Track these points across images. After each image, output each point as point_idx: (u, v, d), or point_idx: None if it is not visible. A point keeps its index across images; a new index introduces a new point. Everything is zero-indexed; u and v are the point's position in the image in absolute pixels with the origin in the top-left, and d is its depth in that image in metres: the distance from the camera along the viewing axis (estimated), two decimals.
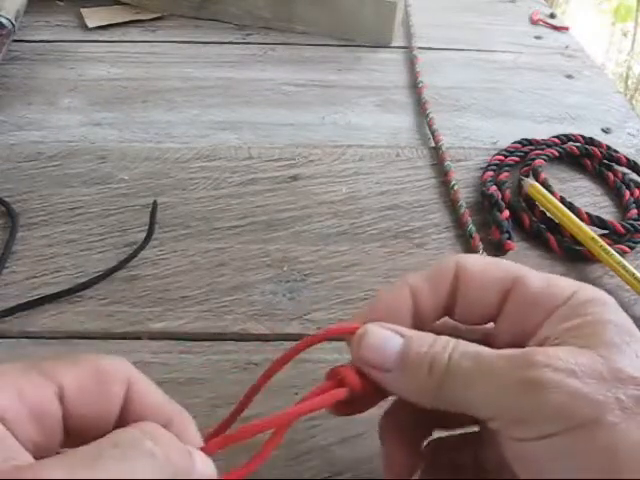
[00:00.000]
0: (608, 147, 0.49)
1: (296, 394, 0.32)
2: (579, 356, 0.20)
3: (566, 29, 0.71)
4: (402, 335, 0.23)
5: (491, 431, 0.21)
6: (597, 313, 0.22)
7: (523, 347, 0.22)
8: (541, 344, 0.22)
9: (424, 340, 0.22)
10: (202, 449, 0.21)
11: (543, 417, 0.19)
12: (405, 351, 0.22)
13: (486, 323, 0.25)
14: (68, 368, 0.20)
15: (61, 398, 0.19)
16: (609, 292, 0.35)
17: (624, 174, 0.48)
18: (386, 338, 0.23)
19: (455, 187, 0.45)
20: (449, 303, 0.24)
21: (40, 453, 0.18)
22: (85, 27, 0.64)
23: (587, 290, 0.23)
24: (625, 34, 2.08)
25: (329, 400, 0.22)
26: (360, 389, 0.23)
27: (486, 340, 0.24)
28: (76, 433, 0.20)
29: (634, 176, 0.48)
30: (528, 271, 0.24)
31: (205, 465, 0.20)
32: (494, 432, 0.21)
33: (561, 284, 0.23)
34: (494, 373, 0.21)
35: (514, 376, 0.20)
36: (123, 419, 0.21)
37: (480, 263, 0.24)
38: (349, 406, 0.23)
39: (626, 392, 0.19)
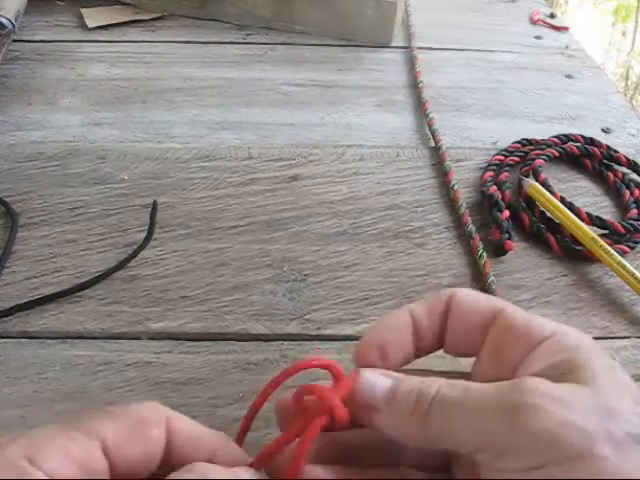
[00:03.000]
0: (608, 147, 0.49)
1: None
2: (569, 387, 0.20)
3: (566, 29, 0.71)
4: (392, 376, 0.23)
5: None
6: (582, 350, 0.22)
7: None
8: None
9: (412, 379, 0.23)
10: (251, 465, 0.22)
11: (531, 446, 0.19)
12: (393, 389, 0.22)
13: (472, 356, 0.25)
14: (107, 422, 0.20)
15: (106, 452, 0.19)
16: (609, 292, 0.35)
17: (624, 174, 0.48)
18: (376, 379, 0.23)
19: (455, 187, 0.45)
20: (441, 333, 0.25)
21: None
22: (85, 27, 0.64)
23: (568, 329, 0.23)
24: (624, 34, 2.08)
25: (316, 430, 0.22)
26: (346, 421, 0.23)
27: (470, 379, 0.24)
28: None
29: (634, 176, 0.48)
30: (511, 306, 0.24)
31: None
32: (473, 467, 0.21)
33: (541, 321, 0.23)
34: (480, 401, 0.20)
35: (501, 403, 0.20)
36: (166, 459, 0.21)
37: (470, 296, 0.25)
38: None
39: (617, 426, 0.19)
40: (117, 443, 0.20)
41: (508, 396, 0.20)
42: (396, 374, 0.23)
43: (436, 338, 0.25)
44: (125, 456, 0.20)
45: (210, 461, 0.21)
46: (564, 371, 0.21)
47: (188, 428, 0.22)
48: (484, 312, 0.24)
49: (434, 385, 0.22)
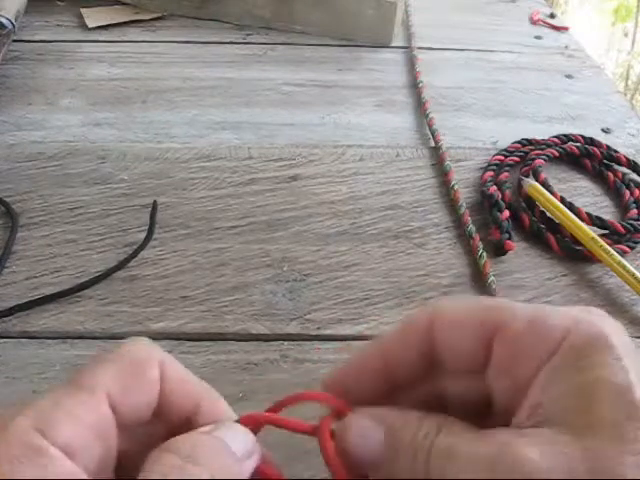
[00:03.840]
0: (608, 147, 0.49)
1: None
2: (557, 456, 0.18)
3: (566, 29, 0.71)
4: (384, 423, 0.22)
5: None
6: (596, 366, 0.19)
7: (518, 402, 0.20)
8: (532, 412, 0.20)
9: (406, 427, 0.21)
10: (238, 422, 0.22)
11: None
12: (388, 442, 0.21)
13: (478, 371, 0.22)
14: (106, 371, 0.20)
15: (112, 405, 0.19)
16: (609, 292, 0.34)
17: (624, 174, 0.48)
18: (368, 430, 0.22)
19: (455, 187, 0.45)
20: (427, 355, 0.23)
21: (101, 464, 0.19)
22: (85, 27, 0.64)
23: (582, 328, 0.20)
24: (626, 34, 2.08)
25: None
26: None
27: (481, 390, 0.22)
28: (123, 428, 0.20)
29: (634, 176, 0.48)
30: (510, 310, 0.21)
31: (245, 441, 0.21)
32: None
33: (549, 322, 0.20)
34: (474, 458, 0.19)
35: (497, 467, 0.18)
36: (160, 402, 0.21)
37: (458, 309, 0.22)
38: None
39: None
40: (120, 392, 0.20)
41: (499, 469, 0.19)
42: (386, 415, 0.22)
43: (416, 367, 0.23)
44: (129, 405, 0.20)
45: (194, 411, 0.21)
46: (569, 408, 0.19)
47: (178, 374, 0.22)
48: (481, 327, 0.22)
49: (431, 432, 0.21)
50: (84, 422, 0.19)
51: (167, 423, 0.21)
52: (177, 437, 0.20)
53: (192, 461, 0.18)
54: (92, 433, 0.19)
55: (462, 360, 0.22)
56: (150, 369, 0.21)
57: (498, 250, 0.41)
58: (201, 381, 0.22)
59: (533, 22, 0.72)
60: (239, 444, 0.21)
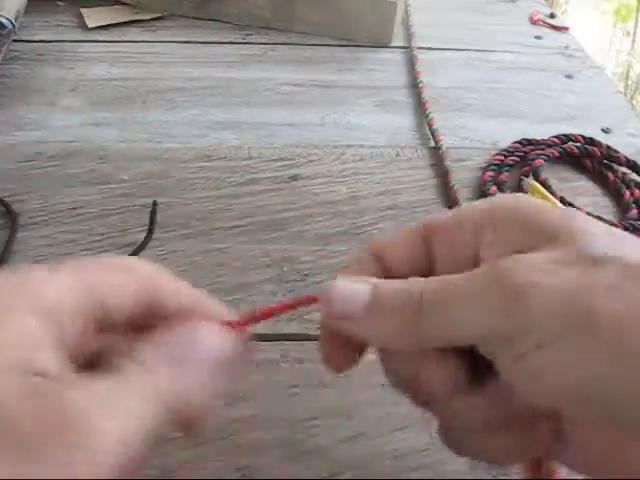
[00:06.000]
0: (608, 147, 0.49)
1: (296, 394, 0.32)
2: (550, 252, 0.20)
3: (566, 29, 0.71)
4: (370, 282, 0.22)
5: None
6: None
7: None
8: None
9: (392, 282, 0.22)
10: (229, 323, 0.22)
11: (535, 324, 0.19)
12: (375, 292, 0.21)
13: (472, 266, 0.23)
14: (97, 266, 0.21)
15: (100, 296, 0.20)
16: None
17: (624, 174, 0.48)
18: (354, 288, 0.22)
19: (455, 187, 0.45)
20: (423, 256, 0.23)
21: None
22: (85, 27, 0.64)
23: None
24: (628, 34, 2.08)
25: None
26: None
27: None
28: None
29: (634, 176, 0.48)
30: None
31: (219, 340, 0.21)
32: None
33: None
34: (471, 290, 0.20)
35: (492, 288, 0.20)
36: (147, 305, 0.21)
37: (450, 212, 0.24)
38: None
39: (606, 271, 0.19)
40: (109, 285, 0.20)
41: (496, 282, 0.20)
42: (374, 279, 0.22)
43: (415, 263, 0.23)
44: (114, 298, 0.20)
45: (191, 312, 0.22)
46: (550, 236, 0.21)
47: (170, 284, 0.22)
48: (473, 218, 0.23)
49: (418, 283, 0.21)
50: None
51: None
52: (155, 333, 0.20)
53: (140, 365, 0.19)
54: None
55: (459, 253, 0.23)
56: (141, 268, 0.21)
57: None
58: (194, 289, 0.23)
59: (533, 22, 0.72)
60: (210, 346, 0.21)
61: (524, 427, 0.22)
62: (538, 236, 0.21)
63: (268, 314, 0.23)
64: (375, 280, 0.22)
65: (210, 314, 0.22)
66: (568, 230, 0.21)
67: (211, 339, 0.21)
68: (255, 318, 0.23)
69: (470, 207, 0.23)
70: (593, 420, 0.20)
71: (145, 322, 0.21)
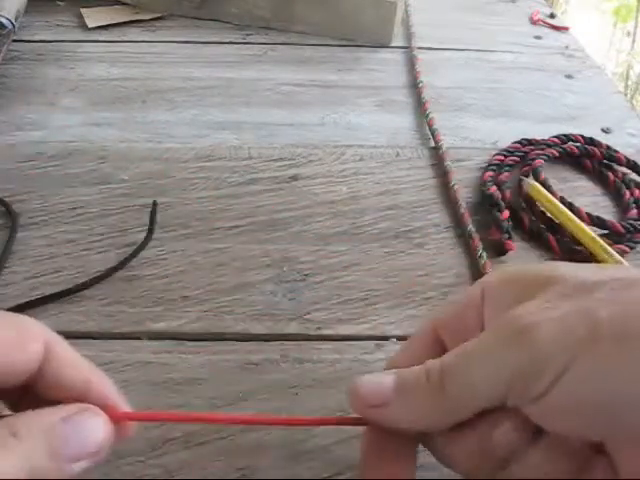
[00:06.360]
0: (608, 147, 0.49)
1: (296, 394, 0.32)
2: (545, 295, 0.21)
3: (566, 29, 0.71)
4: (392, 372, 0.23)
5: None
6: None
7: None
8: None
9: (412, 368, 0.23)
10: (110, 411, 0.22)
11: (547, 355, 0.20)
12: (399, 376, 0.23)
13: None
14: None
15: None
16: None
17: (624, 174, 0.48)
18: (379, 378, 0.23)
19: (455, 187, 0.45)
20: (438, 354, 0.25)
21: None
22: (85, 27, 0.64)
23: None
24: (628, 34, 2.08)
25: None
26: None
27: None
28: None
29: (634, 176, 0.48)
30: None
31: (94, 436, 0.21)
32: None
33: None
34: (484, 346, 0.21)
35: (502, 338, 0.21)
36: (41, 376, 0.21)
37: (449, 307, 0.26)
38: None
39: (602, 289, 0.21)
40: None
41: (504, 330, 0.21)
42: (392, 370, 0.24)
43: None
44: (5, 360, 0.20)
45: (83, 391, 0.22)
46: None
47: (67, 354, 0.22)
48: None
49: (435, 360, 0.22)
50: None
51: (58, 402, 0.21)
52: (30, 411, 0.20)
53: (14, 437, 0.19)
54: None
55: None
56: (34, 341, 0.21)
57: (498, 250, 0.41)
58: (91, 365, 0.23)
59: (533, 22, 0.72)
60: (86, 440, 0.21)
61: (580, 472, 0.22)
62: (530, 290, 0.22)
63: (156, 418, 0.24)
64: (394, 370, 0.24)
65: (101, 396, 0.22)
66: (556, 273, 0.22)
67: (93, 430, 0.21)
68: (143, 418, 0.23)
69: (465, 295, 0.25)
70: (633, 436, 0.20)
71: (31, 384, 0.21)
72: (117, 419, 0.22)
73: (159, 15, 0.67)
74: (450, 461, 0.24)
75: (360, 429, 0.30)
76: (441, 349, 0.25)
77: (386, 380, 0.23)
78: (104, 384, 0.23)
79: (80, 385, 0.22)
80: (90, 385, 0.22)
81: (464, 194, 0.45)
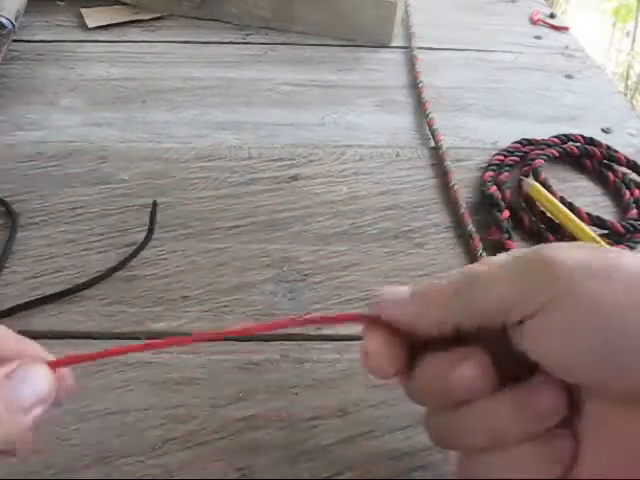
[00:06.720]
0: (608, 147, 0.49)
1: (296, 394, 0.32)
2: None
3: (566, 29, 0.71)
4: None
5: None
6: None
7: None
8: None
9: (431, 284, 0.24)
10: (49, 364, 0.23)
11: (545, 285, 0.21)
12: (416, 286, 0.24)
13: None
14: None
15: None
16: None
17: (624, 174, 0.48)
18: (397, 291, 0.24)
19: (455, 187, 0.45)
20: None
21: None
22: (85, 27, 0.64)
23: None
24: (628, 34, 2.08)
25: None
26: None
27: None
28: None
29: (634, 176, 0.48)
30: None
31: (41, 384, 0.22)
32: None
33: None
34: (507, 265, 0.23)
35: (528, 262, 0.22)
36: None
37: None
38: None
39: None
40: None
41: (534, 256, 0.22)
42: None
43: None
44: None
45: (17, 356, 0.22)
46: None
47: None
48: None
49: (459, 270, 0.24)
50: None
51: None
52: None
53: None
54: None
55: None
56: None
57: (498, 250, 0.41)
58: (19, 336, 0.24)
59: (533, 22, 0.72)
60: (33, 387, 0.22)
61: (544, 438, 0.22)
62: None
63: (89, 357, 0.24)
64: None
65: (34, 354, 0.23)
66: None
67: (36, 377, 0.22)
68: (77, 359, 0.24)
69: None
70: (604, 390, 0.21)
71: None
72: (53, 366, 0.23)
73: (159, 15, 0.67)
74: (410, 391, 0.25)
75: (360, 429, 0.31)
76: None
77: (404, 288, 0.24)
78: (35, 349, 0.24)
79: (13, 354, 0.23)
80: (22, 351, 0.23)
81: (464, 194, 0.45)
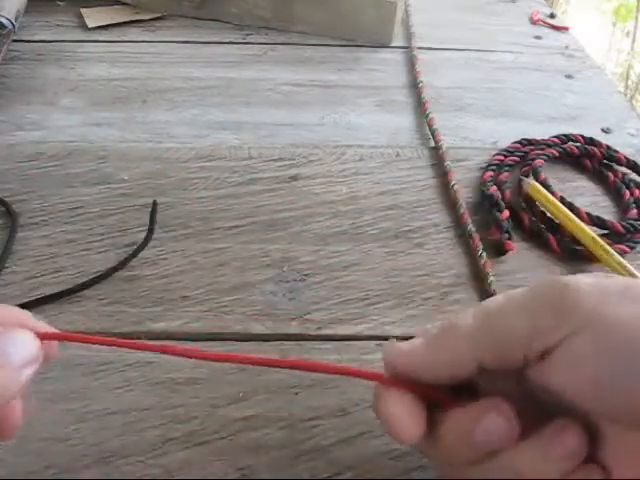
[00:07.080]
0: (608, 147, 0.49)
1: (296, 394, 0.32)
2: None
3: (566, 29, 0.71)
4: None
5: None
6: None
7: None
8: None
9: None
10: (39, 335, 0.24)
11: (582, 318, 0.21)
12: (428, 331, 0.24)
13: None
14: None
15: None
16: None
17: (624, 174, 0.48)
18: (404, 343, 0.24)
19: (455, 187, 0.45)
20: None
21: None
22: (85, 27, 0.64)
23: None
24: (628, 34, 2.08)
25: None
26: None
27: None
28: None
29: (634, 176, 0.48)
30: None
31: (28, 347, 0.24)
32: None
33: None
34: (523, 295, 0.23)
35: (544, 290, 0.22)
36: None
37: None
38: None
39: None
40: None
41: (548, 283, 0.22)
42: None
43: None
44: None
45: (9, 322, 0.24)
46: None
47: None
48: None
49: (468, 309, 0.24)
50: None
51: None
52: None
53: None
54: None
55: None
56: None
57: (498, 250, 0.41)
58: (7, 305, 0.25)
59: (533, 22, 0.72)
60: (20, 350, 0.23)
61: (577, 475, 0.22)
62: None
63: (74, 339, 0.26)
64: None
65: (27, 324, 0.24)
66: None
67: (24, 339, 0.24)
68: (61, 337, 0.26)
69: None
70: (631, 416, 0.21)
71: None
72: (41, 338, 0.24)
73: (159, 15, 0.67)
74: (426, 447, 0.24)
75: (360, 429, 0.31)
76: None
77: (414, 339, 0.24)
78: (27, 317, 0.25)
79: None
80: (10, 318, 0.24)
81: (464, 194, 0.45)
